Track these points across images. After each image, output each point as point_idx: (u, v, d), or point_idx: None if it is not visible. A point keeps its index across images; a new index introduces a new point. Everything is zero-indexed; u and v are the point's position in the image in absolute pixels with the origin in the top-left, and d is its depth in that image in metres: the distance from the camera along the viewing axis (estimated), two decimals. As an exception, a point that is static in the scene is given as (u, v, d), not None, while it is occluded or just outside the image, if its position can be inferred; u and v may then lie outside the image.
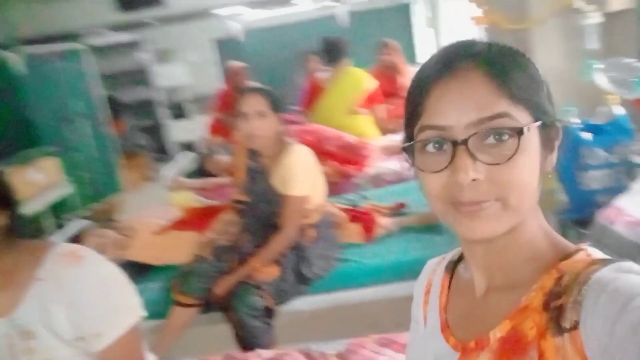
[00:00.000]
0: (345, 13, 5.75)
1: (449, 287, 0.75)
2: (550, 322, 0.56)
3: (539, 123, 0.59)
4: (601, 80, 2.02)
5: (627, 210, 1.61)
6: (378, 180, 3.21)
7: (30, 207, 3.63)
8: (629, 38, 2.20)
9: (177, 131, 6.97)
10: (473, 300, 0.69)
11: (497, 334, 0.61)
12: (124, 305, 1.16)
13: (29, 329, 1.08)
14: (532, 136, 0.58)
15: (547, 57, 2.31)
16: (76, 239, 2.29)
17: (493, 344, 0.61)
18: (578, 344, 0.52)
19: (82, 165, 4.61)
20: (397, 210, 2.53)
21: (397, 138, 3.71)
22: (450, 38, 5.19)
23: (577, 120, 2.03)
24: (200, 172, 3.49)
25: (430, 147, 0.60)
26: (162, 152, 6.88)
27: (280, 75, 5.72)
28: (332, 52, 3.78)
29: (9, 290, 1.09)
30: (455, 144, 0.57)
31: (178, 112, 7.12)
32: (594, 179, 1.93)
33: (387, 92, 4.21)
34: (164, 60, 7.16)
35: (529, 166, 0.58)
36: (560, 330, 0.54)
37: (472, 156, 0.57)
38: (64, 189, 4.04)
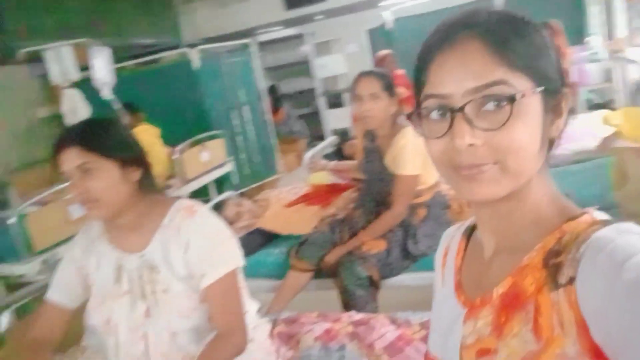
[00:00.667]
0: (502, -6, 5.43)
1: (465, 251, 0.78)
2: (549, 278, 0.57)
3: (539, 89, 0.60)
4: None
5: None
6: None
7: (199, 181, 4.25)
8: None
9: (333, 119, 7.34)
10: (483, 261, 0.71)
11: (499, 290, 0.63)
12: (226, 253, 1.37)
13: (154, 264, 1.35)
14: (532, 102, 0.59)
15: None
16: (220, 205, 2.64)
17: (495, 300, 0.64)
18: (572, 298, 0.54)
19: (243, 148, 5.19)
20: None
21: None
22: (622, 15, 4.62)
23: None
24: (340, 155, 3.70)
25: (433, 115, 0.63)
26: (319, 139, 7.31)
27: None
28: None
29: (141, 233, 1.38)
30: (453, 111, 0.60)
31: (335, 100, 7.48)
32: None
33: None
34: (324, 52, 7.58)
35: (527, 131, 0.59)
36: (556, 285, 0.56)
37: (470, 122, 0.59)
38: (227, 168, 4.61)
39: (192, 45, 5.18)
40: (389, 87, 2.07)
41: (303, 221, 2.44)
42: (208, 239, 1.36)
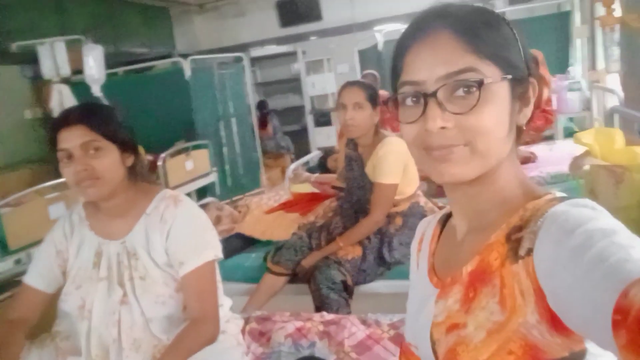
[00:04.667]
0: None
1: (440, 236, 0.82)
2: (510, 252, 0.61)
3: (506, 77, 0.64)
4: None
5: None
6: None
7: (181, 189, 4.24)
8: None
9: (320, 137, 7.42)
10: (455, 244, 0.75)
11: (468, 268, 0.67)
12: (205, 243, 1.40)
13: (134, 251, 1.37)
14: (500, 88, 0.64)
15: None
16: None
17: (464, 277, 0.67)
18: (530, 268, 0.57)
19: (228, 160, 5.21)
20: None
21: (528, 149, 3.55)
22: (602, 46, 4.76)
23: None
24: (323, 168, 3.75)
25: (408, 101, 0.67)
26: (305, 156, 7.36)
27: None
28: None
29: (124, 220, 1.40)
30: (426, 96, 0.64)
31: (323, 119, 7.57)
32: None
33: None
34: (315, 70, 7.69)
35: (495, 115, 0.63)
36: (517, 258, 0.60)
37: (441, 106, 0.63)
38: (210, 178, 4.61)
39: (185, 56, 5.24)
40: (373, 97, 2.13)
41: (282, 228, 2.48)
42: (189, 228, 1.39)
